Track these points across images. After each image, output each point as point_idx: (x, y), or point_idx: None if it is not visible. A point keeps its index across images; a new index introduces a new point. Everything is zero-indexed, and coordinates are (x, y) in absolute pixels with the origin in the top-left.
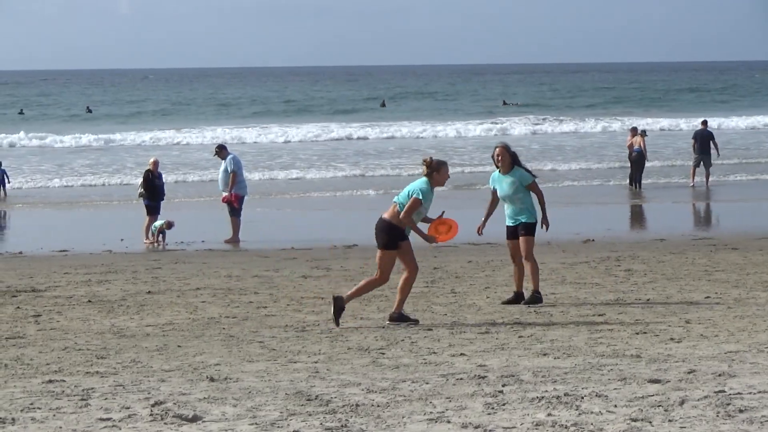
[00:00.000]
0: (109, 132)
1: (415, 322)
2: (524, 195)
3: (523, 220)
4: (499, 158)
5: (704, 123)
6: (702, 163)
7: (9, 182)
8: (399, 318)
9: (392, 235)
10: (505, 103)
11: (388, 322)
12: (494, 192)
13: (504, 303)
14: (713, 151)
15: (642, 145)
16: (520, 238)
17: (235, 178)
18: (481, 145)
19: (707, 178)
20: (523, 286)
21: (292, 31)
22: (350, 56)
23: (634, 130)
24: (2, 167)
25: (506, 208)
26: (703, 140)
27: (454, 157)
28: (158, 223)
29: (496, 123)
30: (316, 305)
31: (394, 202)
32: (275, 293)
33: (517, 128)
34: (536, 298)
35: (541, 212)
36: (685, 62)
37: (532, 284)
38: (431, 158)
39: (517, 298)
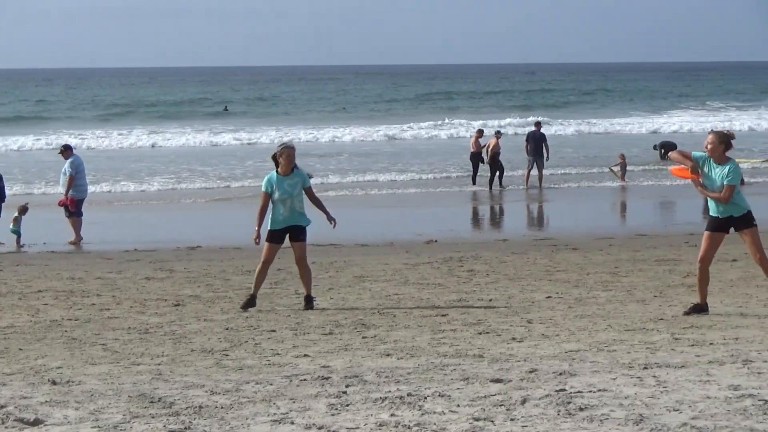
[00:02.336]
0: None
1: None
2: None
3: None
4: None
5: (537, 125)
6: (535, 164)
7: None
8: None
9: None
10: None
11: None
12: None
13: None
14: (546, 153)
15: (486, 146)
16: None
17: (72, 181)
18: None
19: (540, 180)
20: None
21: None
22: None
23: (498, 134)
24: None
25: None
26: (536, 142)
27: None
28: (14, 227)
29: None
30: (160, 307)
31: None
32: (118, 295)
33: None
34: None
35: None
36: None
37: None
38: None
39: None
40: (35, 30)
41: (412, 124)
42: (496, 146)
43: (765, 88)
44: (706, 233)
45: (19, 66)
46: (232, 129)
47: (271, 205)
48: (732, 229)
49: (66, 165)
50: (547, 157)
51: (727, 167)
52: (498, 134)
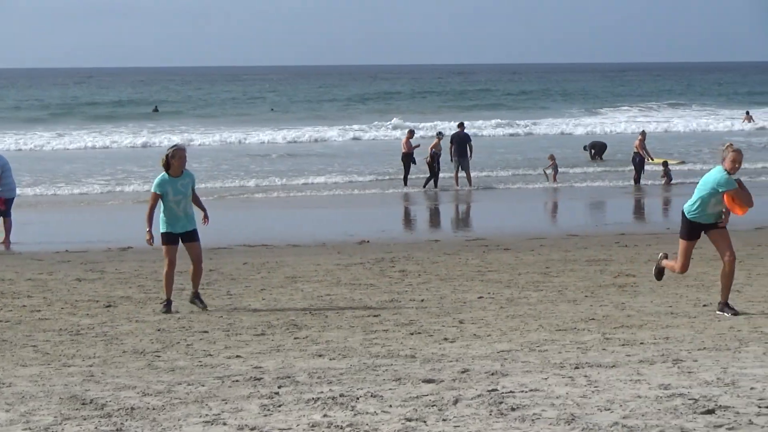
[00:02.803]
0: None
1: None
2: None
3: None
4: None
5: (461, 126)
6: (461, 165)
7: None
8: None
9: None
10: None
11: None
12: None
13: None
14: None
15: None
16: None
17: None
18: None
19: (469, 180)
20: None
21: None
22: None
23: (439, 135)
24: None
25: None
26: (460, 143)
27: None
28: None
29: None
30: (91, 308)
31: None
32: (49, 297)
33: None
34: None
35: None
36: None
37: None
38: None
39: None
40: None
41: (345, 125)
42: (438, 147)
43: (703, 89)
44: (688, 242)
45: None
46: (163, 130)
47: (162, 207)
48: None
49: None
50: (471, 156)
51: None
52: (440, 135)
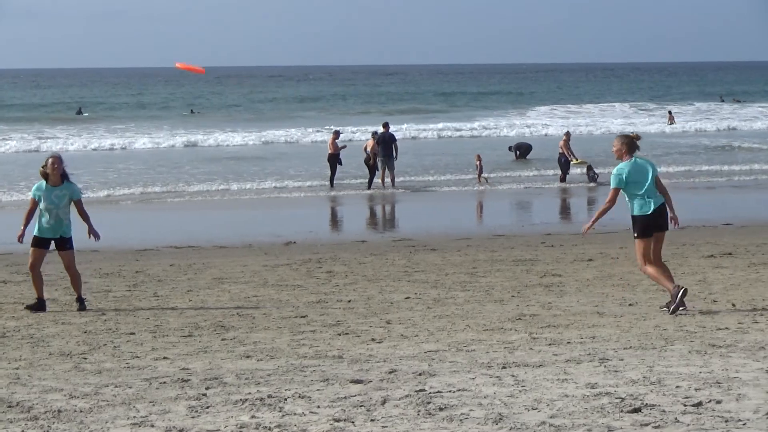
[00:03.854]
0: None
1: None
2: None
3: None
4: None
5: (386, 126)
6: (386, 166)
7: None
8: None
9: None
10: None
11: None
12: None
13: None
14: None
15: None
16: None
17: None
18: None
19: (393, 180)
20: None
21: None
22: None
23: (374, 134)
24: None
25: None
26: (386, 143)
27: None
28: None
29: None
30: (17, 311)
31: None
32: None
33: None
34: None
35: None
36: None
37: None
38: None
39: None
40: None
41: (274, 129)
42: (375, 147)
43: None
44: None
45: None
46: (90, 134)
47: (38, 211)
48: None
49: None
50: (396, 156)
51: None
52: (375, 135)
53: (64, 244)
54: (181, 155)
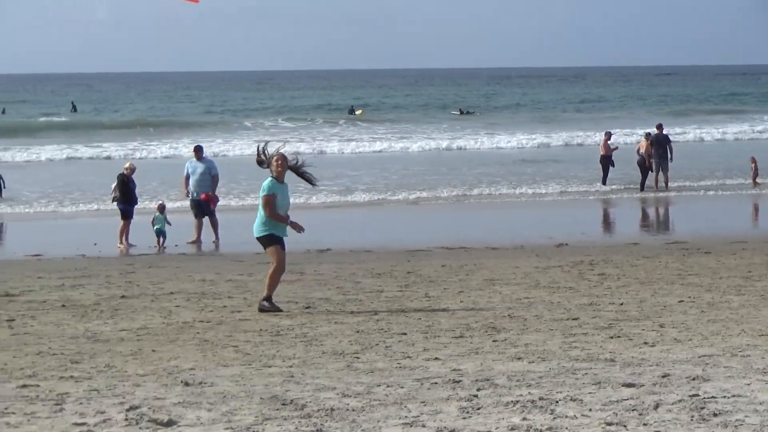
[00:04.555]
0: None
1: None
2: None
3: None
4: None
5: (659, 127)
6: (660, 167)
7: (5, 187)
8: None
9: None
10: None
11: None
12: None
13: None
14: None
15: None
16: None
17: (217, 181)
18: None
19: (666, 182)
20: None
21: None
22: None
23: (647, 136)
24: None
25: None
26: (660, 144)
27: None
28: (157, 226)
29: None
30: (290, 309)
31: None
32: (249, 297)
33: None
34: None
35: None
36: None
37: None
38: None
39: None
40: None
41: (557, 131)
42: (648, 148)
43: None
44: None
45: None
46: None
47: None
48: None
49: (208, 164)
50: (671, 158)
51: None
52: (648, 136)
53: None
54: (455, 157)
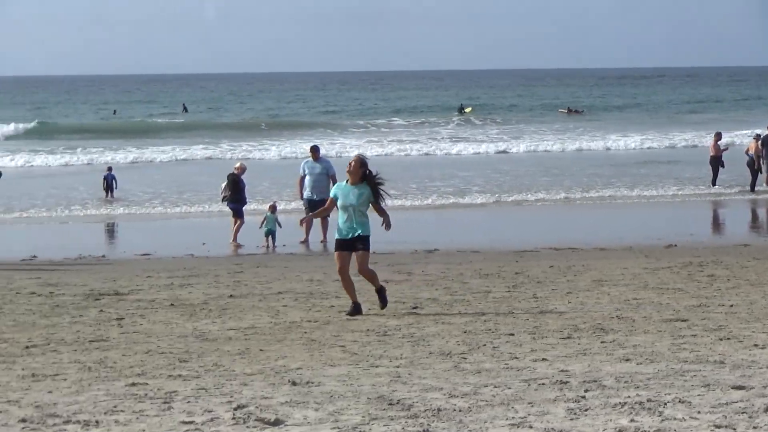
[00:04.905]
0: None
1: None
2: None
3: None
4: None
5: None
6: None
7: (116, 187)
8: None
9: None
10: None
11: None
12: None
13: None
14: None
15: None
16: None
17: (335, 181)
18: None
19: None
20: None
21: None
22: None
23: (757, 137)
24: (112, 172)
25: None
26: None
27: None
28: (268, 227)
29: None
30: (397, 310)
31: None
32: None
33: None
34: None
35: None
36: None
37: None
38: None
39: None
40: None
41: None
42: (758, 149)
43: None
44: None
45: None
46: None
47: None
48: None
49: (325, 165)
50: None
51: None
52: (758, 137)
53: (359, 243)
54: (566, 158)
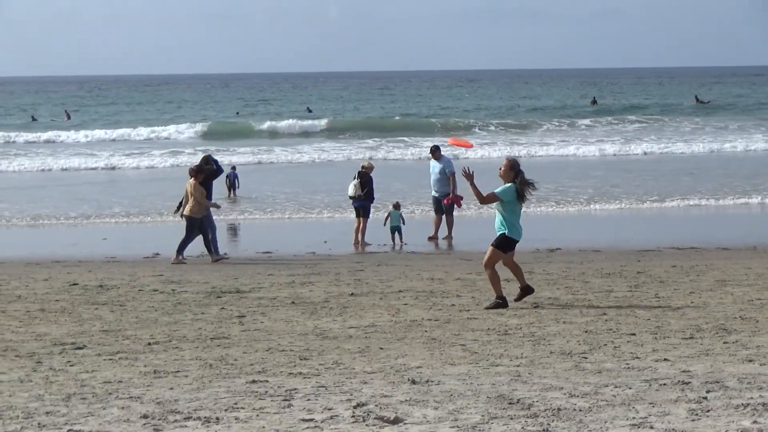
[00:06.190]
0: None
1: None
2: None
3: None
4: None
5: None
6: None
7: (239, 186)
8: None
9: None
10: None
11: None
12: None
13: None
14: None
15: None
16: None
17: (455, 179)
18: None
19: None
20: None
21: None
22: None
23: None
24: (235, 171)
25: None
26: None
27: None
28: (393, 223)
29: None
30: (518, 309)
31: None
32: (477, 296)
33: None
34: None
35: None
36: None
37: None
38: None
39: None
40: None
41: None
42: None
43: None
44: None
45: None
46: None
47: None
48: None
49: (444, 164)
50: None
51: None
52: None
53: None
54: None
